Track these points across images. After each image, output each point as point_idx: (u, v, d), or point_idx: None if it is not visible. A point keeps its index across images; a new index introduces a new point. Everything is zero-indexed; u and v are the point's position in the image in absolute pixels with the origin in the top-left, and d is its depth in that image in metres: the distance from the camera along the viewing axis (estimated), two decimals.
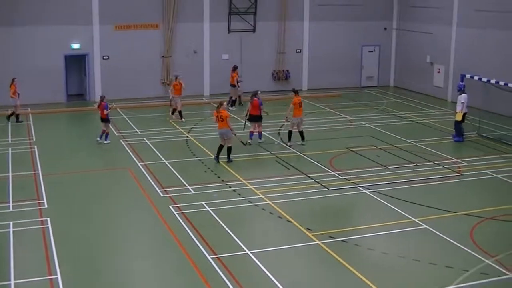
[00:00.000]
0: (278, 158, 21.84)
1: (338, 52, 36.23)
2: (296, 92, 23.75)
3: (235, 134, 21.37)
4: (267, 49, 34.97)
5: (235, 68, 30.68)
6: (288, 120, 23.67)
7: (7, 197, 17.86)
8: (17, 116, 27.38)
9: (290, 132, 23.47)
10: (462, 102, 24.15)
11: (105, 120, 23.68)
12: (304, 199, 17.89)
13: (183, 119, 27.26)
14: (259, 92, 24.12)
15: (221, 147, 21.24)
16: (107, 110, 23.53)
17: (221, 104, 21.31)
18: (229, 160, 21.18)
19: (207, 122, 27.07)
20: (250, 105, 23.69)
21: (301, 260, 14.28)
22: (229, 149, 21.24)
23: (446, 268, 13.61)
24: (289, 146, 23.22)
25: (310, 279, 13.30)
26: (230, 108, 29.50)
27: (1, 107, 28.72)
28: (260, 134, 23.91)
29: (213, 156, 21.30)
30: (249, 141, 23.52)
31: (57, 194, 18.20)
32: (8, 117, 27.30)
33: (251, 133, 23.72)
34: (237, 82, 30.32)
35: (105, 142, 23.68)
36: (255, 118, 23.62)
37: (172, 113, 27.63)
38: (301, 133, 23.55)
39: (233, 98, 30.39)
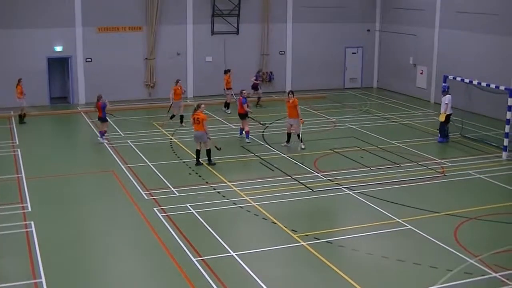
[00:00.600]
0: (262, 160, 21.85)
1: (322, 53, 36.33)
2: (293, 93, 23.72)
3: (209, 138, 21.23)
4: (250, 51, 35.00)
5: (226, 71, 30.70)
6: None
7: None
8: (21, 117, 27.61)
9: (298, 136, 23.27)
10: (446, 103, 24.32)
11: (102, 119, 23.99)
12: (289, 201, 17.92)
13: (183, 124, 27.07)
14: (244, 91, 24.74)
15: (198, 152, 21.15)
16: (104, 109, 23.87)
17: (198, 106, 21.18)
18: (210, 163, 21.12)
19: (191, 124, 26.99)
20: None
21: (286, 261, 14.29)
22: (209, 152, 21.16)
23: (430, 268, 13.69)
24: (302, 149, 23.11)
25: (295, 281, 13.32)
26: (226, 111, 29.73)
27: None
28: (247, 134, 24.14)
29: (195, 163, 21.14)
30: (239, 136, 24.77)
31: (40, 198, 18.11)
32: (21, 118, 27.68)
33: (241, 130, 24.66)
34: (257, 84, 31.70)
35: (101, 140, 23.98)
36: (239, 116, 24.36)
37: (181, 122, 27.24)
38: (289, 135, 23.55)
39: (227, 101, 30.28)
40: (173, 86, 27.51)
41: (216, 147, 21.51)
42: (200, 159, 21.17)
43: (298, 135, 23.22)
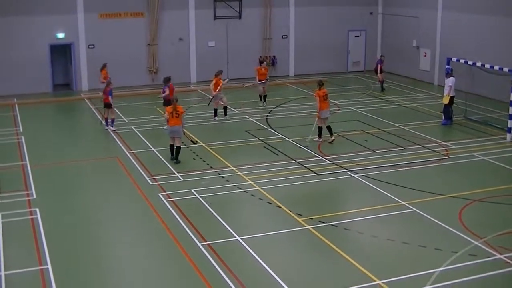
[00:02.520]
0: (266, 144, 21.84)
1: (325, 37, 36.20)
2: (321, 84, 22.07)
3: (184, 133, 20.66)
4: (253, 36, 34.88)
5: (261, 62, 29.13)
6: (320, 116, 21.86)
7: None
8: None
9: (320, 129, 21.98)
10: (450, 86, 24.26)
11: (107, 105, 23.52)
12: (293, 185, 17.93)
13: (227, 117, 25.64)
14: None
15: (172, 147, 19.91)
16: (111, 96, 23.36)
17: (176, 99, 19.87)
18: (177, 161, 19.76)
19: (195, 109, 27.02)
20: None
21: (291, 245, 14.32)
22: (179, 149, 19.87)
23: (435, 250, 13.70)
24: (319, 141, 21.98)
25: (300, 264, 13.36)
26: (262, 104, 27.82)
27: None
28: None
29: (171, 158, 19.93)
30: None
31: (45, 185, 18.14)
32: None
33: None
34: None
35: (111, 128, 23.63)
36: (166, 103, 23.17)
37: (225, 113, 25.50)
38: (328, 128, 22.10)
39: (260, 94, 28.13)
40: (214, 78, 25.16)
41: (192, 140, 21.20)
42: (178, 157, 19.91)
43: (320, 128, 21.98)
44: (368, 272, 12.69)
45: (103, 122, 24.08)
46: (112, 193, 17.73)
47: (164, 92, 24.02)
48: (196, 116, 25.61)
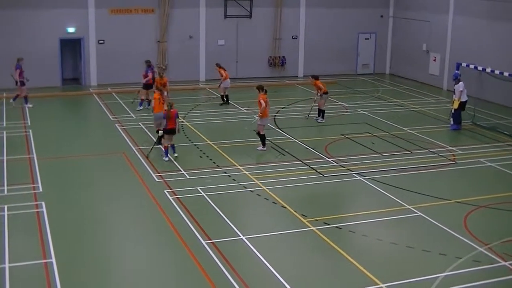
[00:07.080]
0: (273, 144, 21.83)
1: (334, 39, 36.16)
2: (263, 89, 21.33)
3: (179, 131, 20.55)
4: (263, 35, 34.87)
5: (317, 77, 25.67)
6: None
7: (1, 181, 17.79)
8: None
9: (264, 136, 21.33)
10: (461, 90, 24.18)
11: (172, 131, 19.91)
12: (299, 185, 17.92)
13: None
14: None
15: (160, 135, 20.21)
16: (178, 118, 20.07)
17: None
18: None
19: (203, 107, 27.05)
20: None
21: (295, 246, 14.31)
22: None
23: (439, 255, 13.68)
24: None
25: (304, 265, 13.35)
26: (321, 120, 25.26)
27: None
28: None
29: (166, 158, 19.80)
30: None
31: (51, 178, 18.18)
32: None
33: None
34: None
35: (165, 159, 19.95)
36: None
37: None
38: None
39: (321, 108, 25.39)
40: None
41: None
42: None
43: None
44: (371, 275, 12.68)
45: (165, 157, 20.00)
46: (118, 188, 17.76)
47: (147, 75, 25.99)
48: (203, 113, 25.60)
